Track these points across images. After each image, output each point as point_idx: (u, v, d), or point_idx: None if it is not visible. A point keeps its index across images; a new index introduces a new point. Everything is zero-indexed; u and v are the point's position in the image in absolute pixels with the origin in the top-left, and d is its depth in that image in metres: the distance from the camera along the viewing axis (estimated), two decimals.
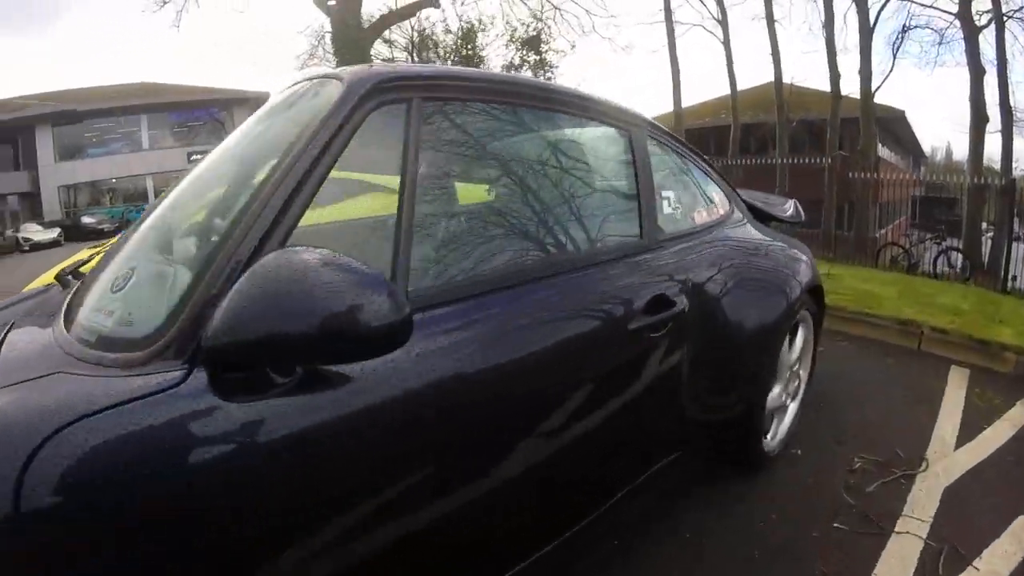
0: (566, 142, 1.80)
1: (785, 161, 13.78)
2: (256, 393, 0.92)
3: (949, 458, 2.45)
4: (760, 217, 2.68)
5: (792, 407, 2.55)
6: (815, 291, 2.57)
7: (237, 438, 0.89)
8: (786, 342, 2.29)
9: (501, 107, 1.53)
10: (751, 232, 2.43)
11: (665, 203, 1.99)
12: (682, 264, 1.86)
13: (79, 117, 26.66)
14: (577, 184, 1.73)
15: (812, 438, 2.59)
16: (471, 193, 1.57)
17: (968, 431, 2.69)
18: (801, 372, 2.60)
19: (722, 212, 2.35)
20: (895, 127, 22.11)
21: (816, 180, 14.00)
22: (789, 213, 2.93)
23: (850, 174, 10.63)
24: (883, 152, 19.76)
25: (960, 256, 9.28)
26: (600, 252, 1.66)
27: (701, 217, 2.19)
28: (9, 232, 24.62)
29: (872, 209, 12.17)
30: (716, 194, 2.38)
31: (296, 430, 0.94)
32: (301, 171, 1.06)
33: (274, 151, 1.12)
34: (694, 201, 2.23)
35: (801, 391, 2.61)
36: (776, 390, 2.29)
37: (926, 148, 34.88)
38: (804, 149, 18.65)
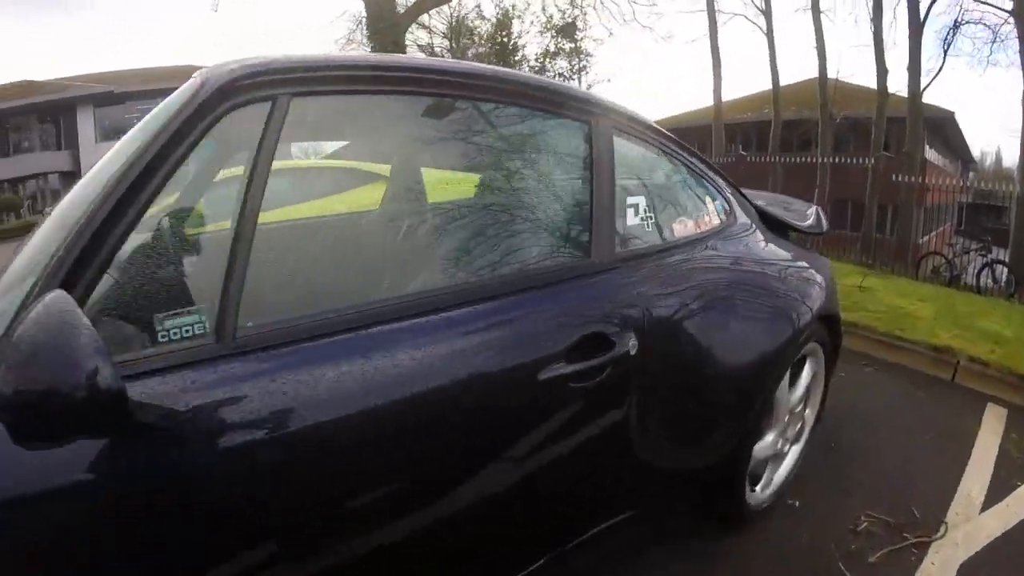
0: (494, 138, 1.50)
1: (827, 160, 13.15)
2: (50, 440, 0.81)
3: (973, 522, 2.13)
4: (775, 226, 2.28)
5: (794, 451, 2.25)
6: (830, 319, 2.22)
7: (27, 488, 0.81)
8: (786, 380, 1.99)
9: (408, 99, 1.28)
10: (754, 246, 2.05)
11: (631, 211, 1.63)
12: (642, 289, 1.52)
13: (120, 99, 27.16)
14: (503, 191, 1.46)
15: (815, 487, 2.30)
16: (358, 204, 1.34)
17: (998, 488, 2.35)
18: (808, 412, 2.29)
19: (716, 221, 1.97)
20: (943, 129, 20.99)
21: (859, 181, 13.38)
22: (808, 223, 2.49)
23: (894, 177, 10.02)
24: (930, 155, 18.80)
25: (1005, 270, 8.69)
26: (524, 277, 1.36)
27: (684, 228, 1.83)
28: (48, 209, 25.19)
29: (916, 214, 11.54)
30: (711, 200, 2.01)
31: (86, 480, 0.84)
32: (122, 190, 0.91)
33: (117, 164, 0.96)
34: (677, 208, 1.86)
35: (806, 434, 2.30)
36: (770, 437, 2.00)
37: (975, 152, 33.25)
38: (848, 148, 17.88)
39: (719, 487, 1.88)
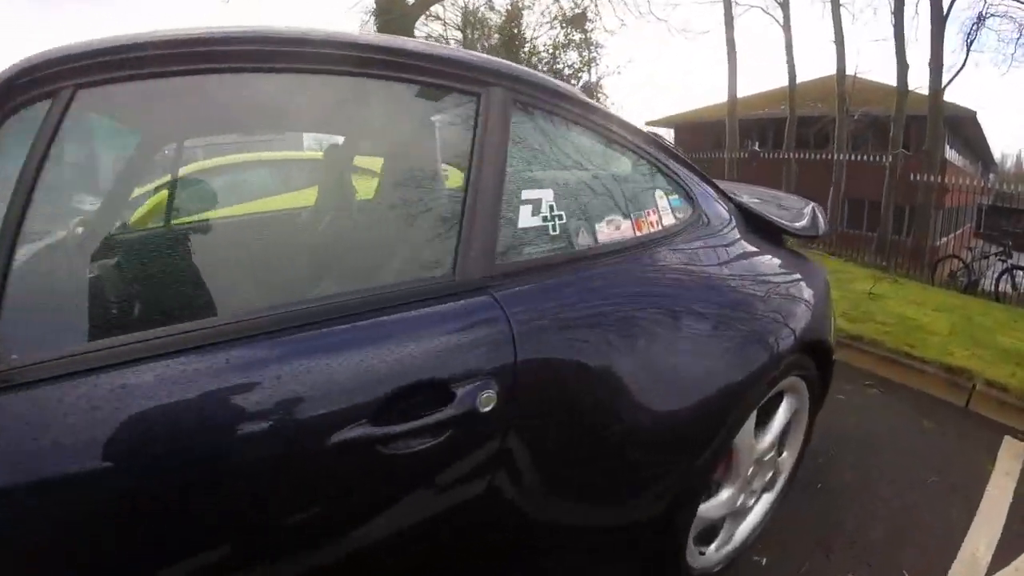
0: (333, 117, 1.20)
1: (843, 157, 12.69)
2: None
3: None
4: (760, 228, 1.85)
5: (765, 500, 1.91)
6: (818, 347, 1.81)
7: None
8: (751, 423, 1.63)
9: (218, 78, 1.04)
10: (719, 252, 1.62)
11: (527, 209, 1.23)
12: (525, 315, 1.13)
13: None
14: (335, 189, 1.17)
15: (791, 538, 1.96)
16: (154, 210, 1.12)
17: (1010, 546, 2.00)
18: (784, 457, 1.93)
19: (670, 221, 1.55)
20: (964, 128, 20.25)
21: (876, 180, 12.93)
22: (802, 224, 2.02)
23: (912, 176, 9.58)
24: (949, 154, 18.16)
25: None
26: (336, 307, 1.01)
27: (613, 231, 1.40)
28: None
29: (934, 216, 11.07)
30: (662, 195, 1.58)
31: None
32: None
33: None
34: (605, 205, 1.43)
35: (781, 482, 1.96)
36: (726, 494, 1.65)
37: (996, 154, 32.33)
38: (866, 146, 17.36)
39: (646, 556, 1.52)
